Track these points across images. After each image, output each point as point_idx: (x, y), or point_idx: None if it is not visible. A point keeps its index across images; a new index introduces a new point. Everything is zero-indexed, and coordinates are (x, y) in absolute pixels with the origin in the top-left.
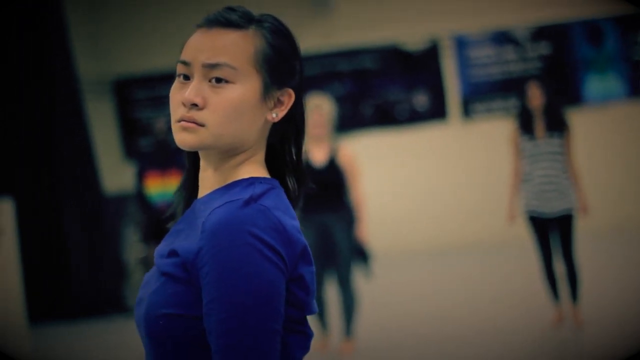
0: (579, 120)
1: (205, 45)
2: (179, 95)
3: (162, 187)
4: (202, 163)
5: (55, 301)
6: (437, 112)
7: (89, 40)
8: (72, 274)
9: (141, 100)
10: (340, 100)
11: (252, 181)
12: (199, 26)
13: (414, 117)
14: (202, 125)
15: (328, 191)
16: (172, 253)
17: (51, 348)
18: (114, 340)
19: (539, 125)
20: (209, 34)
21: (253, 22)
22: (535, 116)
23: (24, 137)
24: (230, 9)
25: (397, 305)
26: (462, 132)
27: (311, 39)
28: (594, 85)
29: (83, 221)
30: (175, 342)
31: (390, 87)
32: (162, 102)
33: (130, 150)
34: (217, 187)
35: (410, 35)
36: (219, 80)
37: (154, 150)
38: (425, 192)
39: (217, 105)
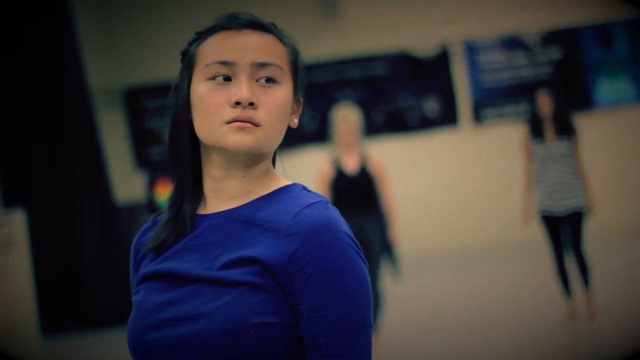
0: (590, 124)
1: (249, 45)
2: (221, 96)
3: None
4: (218, 172)
5: (68, 311)
6: (448, 117)
7: (100, 51)
8: (85, 283)
9: (152, 109)
10: None
11: (300, 187)
12: (222, 29)
13: (425, 123)
14: (257, 125)
15: (361, 196)
16: (246, 261)
17: (64, 358)
18: (127, 351)
19: (549, 130)
20: (243, 36)
21: (273, 27)
22: (545, 121)
23: (36, 148)
24: (244, 14)
25: (412, 304)
26: (473, 138)
27: (322, 46)
28: (605, 89)
29: (95, 231)
30: (265, 352)
31: (401, 93)
32: None
33: (142, 159)
34: (246, 195)
35: (421, 41)
36: (269, 79)
37: (164, 159)
38: (437, 198)
39: (270, 104)
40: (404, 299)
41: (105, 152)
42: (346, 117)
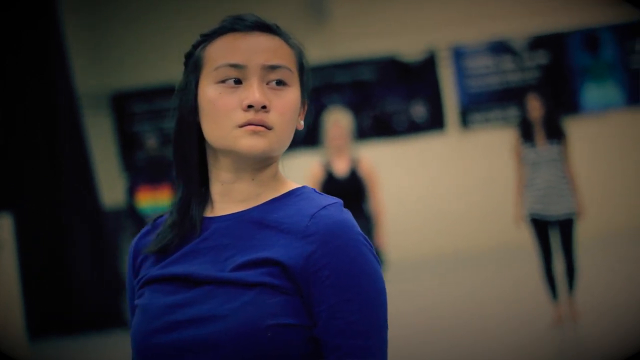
0: (577, 128)
1: (259, 48)
2: (232, 99)
3: (154, 201)
4: (226, 175)
5: (55, 315)
6: (435, 122)
7: (88, 55)
8: (72, 287)
9: (139, 114)
10: None
11: (311, 189)
12: (229, 30)
13: (413, 128)
14: (270, 128)
15: (350, 199)
16: (262, 262)
17: None
18: (114, 355)
19: (539, 134)
20: (251, 38)
21: (279, 29)
22: (535, 126)
23: (24, 152)
24: (250, 15)
25: (398, 308)
26: (460, 142)
27: (309, 51)
28: (592, 93)
29: (83, 235)
30: (281, 354)
31: (389, 98)
32: (160, 116)
33: (129, 164)
34: (255, 198)
35: (408, 46)
36: (279, 82)
37: (146, 165)
38: (424, 202)
39: (282, 107)
40: (390, 303)
41: (92, 156)
42: (337, 121)
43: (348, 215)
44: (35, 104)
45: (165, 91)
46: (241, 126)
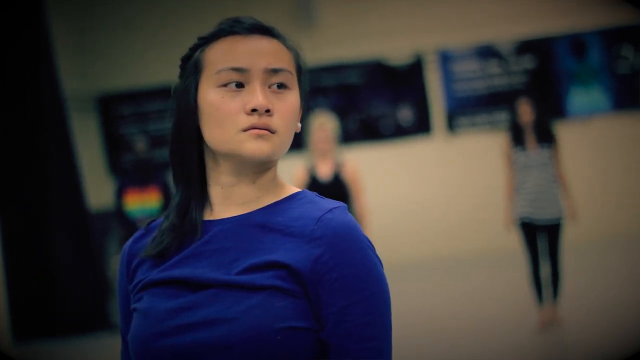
0: (563, 133)
1: (260, 51)
2: (235, 103)
3: (141, 203)
4: (227, 179)
5: (41, 318)
6: (421, 126)
7: (74, 57)
8: (58, 291)
9: (125, 116)
10: None
11: (312, 193)
12: (229, 33)
13: (399, 132)
14: (273, 132)
15: None
16: (270, 265)
17: None
18: (100, 357)
19: (530, 138)
20: (252, 41)
21: (277, 32)
22: (526, 130)
23: (9, 154)
24: (249, 18)
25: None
26: (446, 147)
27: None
28: (578, 98)
29: (68, 238)
30: (288, 357)
31: (375, 102)
32: (147, 118)
33: (115, 166)
34: (256, 201)
35: (395, 50)
36: (281, 85)
37: (134, 167)
38: (410, 206)
39: (284, 111)
40: None
41: (78, 158)
42: (322, 125)
43: (352, 218)
44: (22, 106)
45: (152, 93)
46: (245, 130)
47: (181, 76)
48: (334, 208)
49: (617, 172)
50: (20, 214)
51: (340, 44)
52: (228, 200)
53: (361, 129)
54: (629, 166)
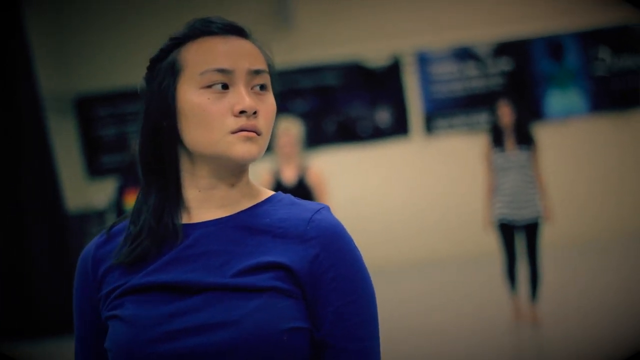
0: (541, 134)
1: (242, 52)
2: (222, 105)
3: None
4: (205, 181)
5: (20, 321)
6: (399, 128)
7: (52, 58)
8: (35, 292)
9: (103, 117)
10: (302, 117)
11: (288, 195)
12: (206, 34)
13: (377, 134)
14: (260, 134)
15: None
16: (268, 266)
17: None
18: None
19: (509, 140)
20: (231, 42)
21: (249, 33)
22: (505, 132)
23: None
24: (220, 18)
25: None
26: (424, 148)
27: (273, 56)
28: (556, 100)
29: (46, 239)
30: (289, 358)
31: (353, 104)
32: (125, 120)
33: (93, 168)
34: (235, 203)
35: (373, 51)
36: (262, 86)
37: (130, 167)
38: (388, 208)
39: (267, 112)
40: None
41: (56, 160)
42: (286, 129)
43: (338, 219)
44: None
45: (130, 95)
46: (234, 132)
47: (151, 77)
48: (321, 209)
49: (594, 174)
50: None
51: (318, 46)
52: (207, 202)
53: (339, 131)
54: (606, 168)
